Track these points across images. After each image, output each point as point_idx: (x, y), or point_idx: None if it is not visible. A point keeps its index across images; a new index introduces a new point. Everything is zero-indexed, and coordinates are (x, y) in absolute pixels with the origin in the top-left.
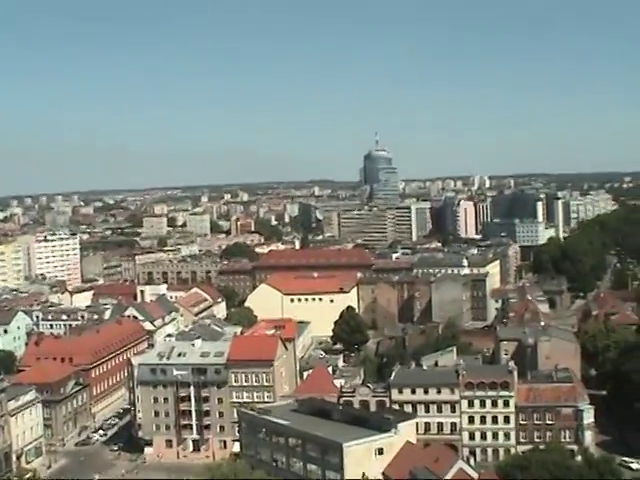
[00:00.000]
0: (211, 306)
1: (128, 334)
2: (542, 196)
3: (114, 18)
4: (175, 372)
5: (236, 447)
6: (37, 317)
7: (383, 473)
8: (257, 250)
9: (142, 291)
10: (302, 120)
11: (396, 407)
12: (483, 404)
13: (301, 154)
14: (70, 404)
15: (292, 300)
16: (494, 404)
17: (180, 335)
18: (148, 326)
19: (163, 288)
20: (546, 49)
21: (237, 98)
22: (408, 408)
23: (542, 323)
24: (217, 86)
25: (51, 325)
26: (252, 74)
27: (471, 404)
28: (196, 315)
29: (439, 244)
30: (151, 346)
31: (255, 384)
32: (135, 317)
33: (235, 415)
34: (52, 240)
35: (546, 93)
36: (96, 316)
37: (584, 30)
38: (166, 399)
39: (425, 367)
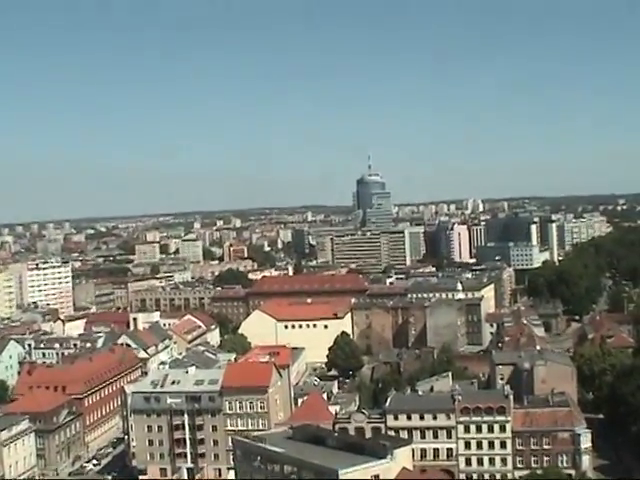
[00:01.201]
0: (204, 333)
1: (121, 362)
2: (536, 219)
3: (109, 40)
4: (169, 400)
5: (231, 475)
6: (29, 346)
7: None
8: (250, 276)
9: (135, 319)
10: (294, 145)
11: (392, 433)
12: (479, 429)
13: (293, 179)
14: (63, 433)
15: (286, 326)
16: (490, 429)
17: (174, 363)
18: (141, 354)
19: (156, 315)
20: (539, 72)
21: (229, 124)
22: (404, 434)
23: (538, 347)
24: (208, 112)
25: (43, 354)
26: (242, 98)
27: (467, 429)
28: (189, 342)
29: (433, 268)
30: (144, 374)
31: (249, 411)
32: (128, 345)
33: (230, 443)
34: (44, 268)
35: (538, 116)
36: (89, 344)
37: (577, 53)
38: (160, 427)
39: (421, 392)
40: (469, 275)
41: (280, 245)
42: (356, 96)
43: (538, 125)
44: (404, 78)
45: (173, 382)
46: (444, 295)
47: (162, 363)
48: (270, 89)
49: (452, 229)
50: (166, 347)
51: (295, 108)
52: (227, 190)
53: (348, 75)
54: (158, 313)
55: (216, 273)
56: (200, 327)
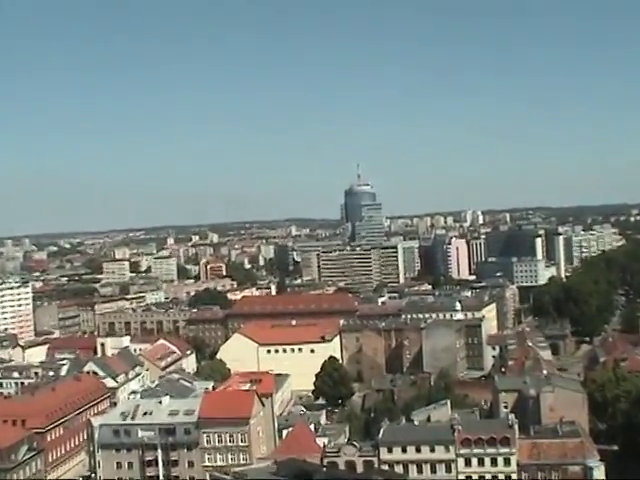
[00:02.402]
0: (179, 359)
1: (87, 392)
2: (541, 232)
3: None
4: (140, 433)
5: None
6: None
7: None
8: (229, 296)
9: (102, 344)
10: (276, 154)
11: (385, 467)
12: (481, 462)
13: (276, 190)
14: (23, 472)
15: (269, 351)
16: (494, 462)
17: (145, 392)
18: (110, 383)
19: (126, 340)
20: (547, 72)
21: (204, 132)
22: (399, 468)
23: (544, 372)
24: (181, 120)
25: (0, 384)
26: (218, 105)
27: (468, 463)
28: (163, 369)
29: (429, 286)
30: (113, 405)
31: (229, 445)
32: (95, 373)
33: None
34: (1, 289)
35: (543, 119)
36: (51, 373)
37: (585, 59)
38: (130, 464)
39: (417, 422)
40: (468, 293)
41: (262, 262)
42: (343, 101)
43: (542, 130)
44: (394, 81)
45: (145, 413)
46: (441, 315)
47: (133, 393)
48: (248, 93)
49: (449, 243)
50: (137, 375)
51: (277, 114)
52: (203, 203)
53: (334, 79)
54: (128, 338)
55: (192, 293)
56: (174, 353)
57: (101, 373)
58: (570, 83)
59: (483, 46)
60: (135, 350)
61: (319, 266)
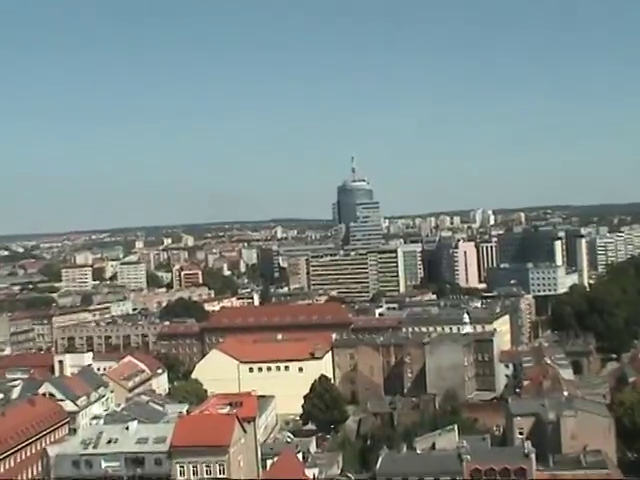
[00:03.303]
0: (149, 379)
1: (43, 417)
2: (561, 233)
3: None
4: (104, 464)
5: None
6: None
7: None
8: (206, 307)
9: (61, 362)
10: (258, 146)
11: None
12: None
13: (259, 187)
14: None
15: (251, 369)
16: None
17: (110, 417)
18: (69, 406)
19: (88, 357)
20: (563, 60)
21: (176, 124)
22: None
23: (565, 393)
24: (150, 110)
25: None
26: (195, 92)
27: None
28: (130, 391)
29: (433, 296)
30: (73, 432)
31: (206, 477)
32: (52, 395)
33: None
34: None
35: (562, 107)
36: (1, 395)
37: (605, 48)
38: None
39: (419, 451)
40: (478, 304)
41: (243, 268)
42: (335, 88)
43: (560, 119)
44: (392, 67)
45: (109, 441)
46: (447, 329)
47: (95, 418)
48: (226, 76)
49: (456, 247)
50: (100, 397)
51: (258, 102)
52: (177, 201)
53: (325, 63)
54: (90, 354)
55: (163, 304)
56: (143, 372)
57: (59, 395)
58: (593, 70)
59: (496, 30)
60: (98, 369)
61: (308, 273)
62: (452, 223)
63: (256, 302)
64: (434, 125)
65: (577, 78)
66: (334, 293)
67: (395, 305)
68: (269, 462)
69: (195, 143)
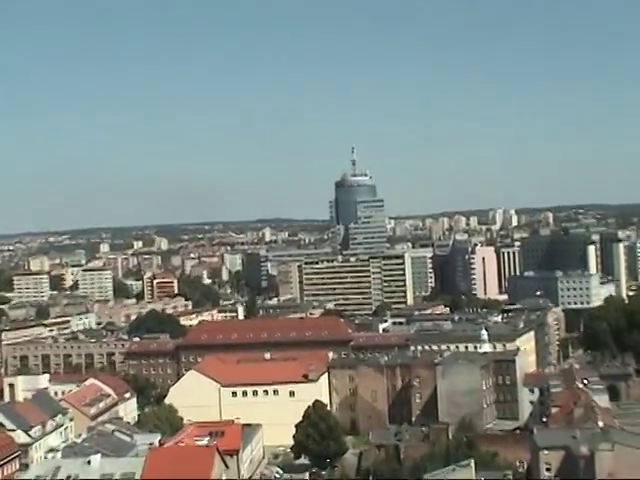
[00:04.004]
0: (115, 404)
1: None
2: (595, 237)
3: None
4: None
5: None
6: None
7: None
8: (183, 322)
9: (12, 385)
10: (244, 135)
11: None
12: None
13: (244, 182)
14: None
15: (234, 394)
16: None
17: (69, 449)
18: (21, 437)
19: (44, 380)
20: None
21: (146, 110)
22: None
23: (600, 423)
24: (121, 95)
25: None
26: (169, 77)
27: None
28: (93, 419)
29: (446, 309)
30: (25, 467)
31: None
32: (1, 425)
33: None
34: None
35: (599, 89)
36: None
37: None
38: None
39: None
40: (498, 319)
41: (225, 276)
42: (334, 73)
43: (595, 106)
44: (394, 48)
45: (68, 477)
46: (462, 347)
47: (52, 450)
48: (206, 60)
49: (473, 252)
50: (58, 426)
51: (242, 87)
52: (149, 198)
53: (325, 36)
54: (47, 376)
55: (133, 317)
56: (109, 396)
57: (9, 425)
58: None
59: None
60: (56, 393)
61: (301, 282)
62: (468, 224)
63: (240, 315)
64: (447, 111)
65: (614, 69)
66: (331, 305)
67: (402, 319)
68: None
69: (169, 133)
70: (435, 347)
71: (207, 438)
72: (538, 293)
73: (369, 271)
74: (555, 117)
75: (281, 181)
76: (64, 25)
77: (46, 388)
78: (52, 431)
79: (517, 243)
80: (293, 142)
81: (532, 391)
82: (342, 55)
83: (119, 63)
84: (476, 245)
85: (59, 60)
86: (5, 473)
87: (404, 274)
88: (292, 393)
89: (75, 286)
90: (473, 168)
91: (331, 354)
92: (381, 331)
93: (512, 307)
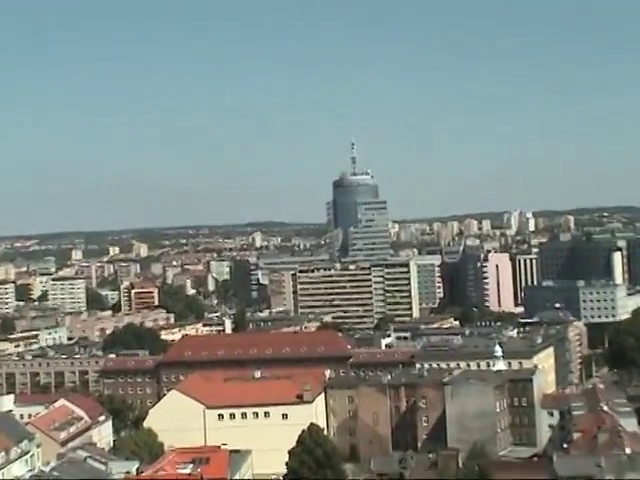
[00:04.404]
0: (88, 429)
1: None
2: (622, 243)
3: None
4: None
5: None
6: None
7: None
8: (164, 336)
9: None
10: (232, 131)
11: None
12: None
13: (233, 183)
14: None
15: (221, 416)
16: None
17: (36, 478)
18: None
19: (8, 401)
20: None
21: (126, 105)
22: None
23: (627, 450)
24: (93, 88)
25: None
26: (148, 72)
27: None
28: (64, 444)
29: (456, 323)
30: None
31: None
32: None
33: None
34: None
35: (625, 85)
36: None
37: None
38: None
39: None
40: (514, 333)
41: (211, 286)
42: (333, 60)
43: (622, 98)
44: (403, 36)
45: None
46: (474, 365)
47: None
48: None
49: (486, 260)
50: (24, 453)
51: (229, 79)
52: (127, 199)
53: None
54: (12, 397)
55: (108, 331)
56: (81, 419)
57: None
58: None
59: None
60: (22, 416)
61: (295, 292)
62: (481, 229)
63: (228, 329)
64: (456, 103)
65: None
66: (328, 318)
67: (407, 334)
68: None
69: (149, 129)
70: (444, 365)
71: (190, 466)
72: (558, 305)
73: (370, 280)
74: (577, 112)
75: (273, 181)
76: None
77: (10, 410)
78: (17, 459)
79: (535, 249)
80: (286, 138)
81: (551, 414)
82: (338, 45)
83: (94, 58)
84: (489, 252)
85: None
86: None
87: (409, 284)
88: (285, 416)
89: (44, 297)
90: (486, 166)
91: (328, 372)
92: (384, 347)
93: (529, 321)
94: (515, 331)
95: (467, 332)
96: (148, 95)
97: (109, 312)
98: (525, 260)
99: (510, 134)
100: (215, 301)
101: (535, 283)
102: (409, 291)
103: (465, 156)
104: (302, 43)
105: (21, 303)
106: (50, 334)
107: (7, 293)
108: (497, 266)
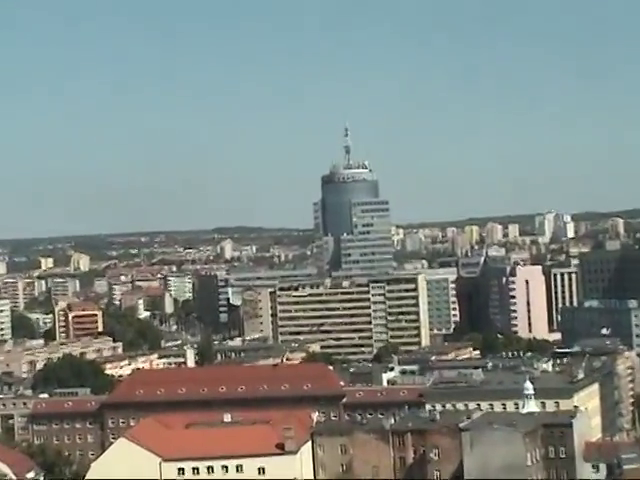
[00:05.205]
0: None
1: None
2: None
3: None
4: None
5: None
6: None
7: None
8: (109, 371)
9: None
10: (194, 116)
11: None
12: None
13: (195, 178)
14: None
15: (181, 471)
16: None
17: None
18: None
19: None
20: None
21: (54, 86)
22: None
23: None
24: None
25: None
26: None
27: None
28: None
29: (476, 352)
30: None
31: None
32: None
33: None
34: None
35: None
36: None
37: None
38: None
39: None
40: (548, 366)
41: (170, 307)
42: (320, 34)
43: None
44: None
45: None
46: (499, 407)
47: None
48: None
49: (513, 274)
50: None
51: (197, 54)
52: (61, 200)
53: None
54: None
55: (40, 365)
56: (5, 476)
57: None
58: None
59: None
60: None
61: (275, 315)
62: (506, 235)
63: (190, 362)
64: (474, 80)
65: None
66: (316, 348)
67: (414, 367)
68: None
69: (92, 120)
70: (460, 406)
71: None
72: (604, 331)
73: (369, 300)
74: (626, 89)
75: (246, 176)
76: None
77: None
78: None
79: (574, 261)
80: (263, 123)
81: (596, 467)
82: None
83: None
84: (517, 264)
85: None
86: None
87: (417, 304)
88: (262, 470)
89: None
90: (512, 157)
91: (316, 415)
92: (385, 383)
93: (567, 350)
94: (550, 364)
95: (490, 365)
96: (86, 79)
97: (41, 341)
98: (562, 274)
99: (544, 118)
100: (174, 327)
101: (575, 303)
102: (417, 313)
103: (486, 145)
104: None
105: None
106: None
107: None
108: (527, 282)
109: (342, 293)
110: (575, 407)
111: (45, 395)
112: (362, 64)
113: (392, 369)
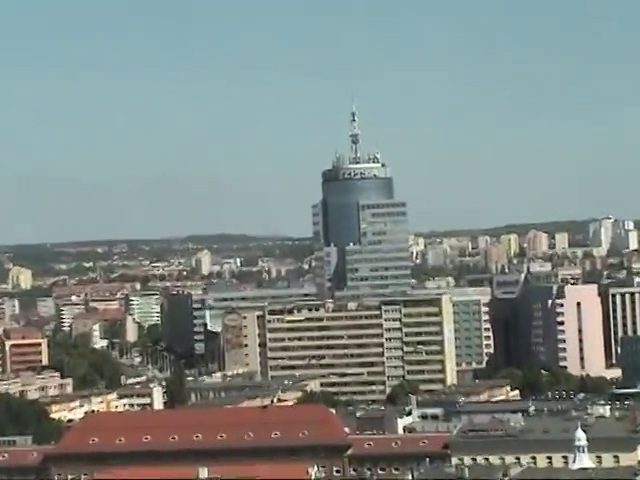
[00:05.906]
0: None
1: None
2: None
3: None
4: None
5: None
6: None
7: None
8: (56, 414)
9: None
10: (167, 101)
11: None
12: None
13: (165, 174)
14: None
15: None
16: None
17: None
18: None
19: None
20: None
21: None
22: None
23: None
24: None
25: None
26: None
27: None
28: None
29: (514, 393)
30: None
31: None
32: None
33: None
34: None
35: None
36: None
37: None
38: None
39: None
40: (606, 411)
41: (132, 335)
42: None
43: None
44: None
45: None
46: (543, 461)
47: None
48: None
49: (561, 296)
50: None
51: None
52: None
53: None
54: None
55: None
56: None
57: None
58: None
59: None
60: None
61: (263, 344)
62: (553, 247)
63: (158, 404)
64: (512, 62)
65: None
66: (315, 386)
67: (437, 411)
68: None
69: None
70: (495, 459)
71: None
72: None
73: (381, 326)
74: None
75: (229, 172)
76: None
77: None
78: None
79: (637, 279)
80: (250, 108)
81: None
82: None
83: None
84: (566, 282)
85: None
86: None
87: (441, 332)
88: None
89: None
90: (560, 152)
91: (314, 471)
92: (401, 431)
93: (629, 391)
94: (608, 407)
95: (532, 408)
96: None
97: None
98: (623, 295)
99: (600, 108)
100: (138, 359)
101: (639, 332)
102: (441, 343)
103: (526, 137)
104: None
105: None
106: None
107: None
108: (579, 305)
109: (347, 318)
110: (639, 462)
111: None
112: (372, 36)
113: (410, 413)
